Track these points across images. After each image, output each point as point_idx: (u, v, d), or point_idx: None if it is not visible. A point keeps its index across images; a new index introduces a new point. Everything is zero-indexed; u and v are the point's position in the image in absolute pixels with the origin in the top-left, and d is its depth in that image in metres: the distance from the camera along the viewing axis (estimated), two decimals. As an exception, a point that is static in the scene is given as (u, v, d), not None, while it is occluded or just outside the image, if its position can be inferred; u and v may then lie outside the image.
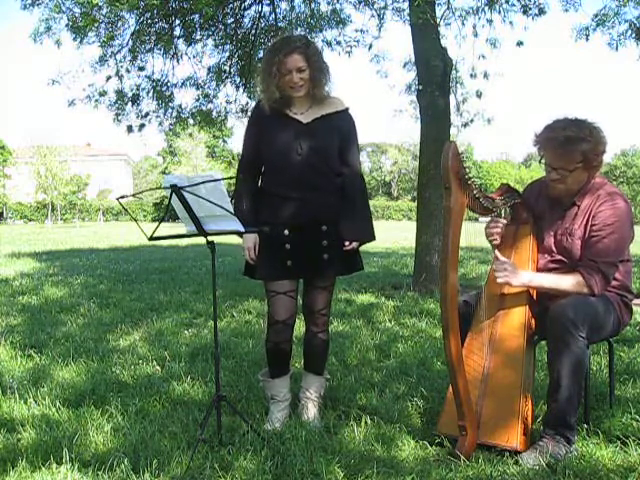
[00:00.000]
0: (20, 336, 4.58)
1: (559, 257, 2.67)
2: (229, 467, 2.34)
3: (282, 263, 2.75)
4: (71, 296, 6.57)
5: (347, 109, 2.85)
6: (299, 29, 8.73)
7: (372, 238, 2.89)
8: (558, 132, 2.50)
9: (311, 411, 2.87)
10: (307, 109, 2.78)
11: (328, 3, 8.76)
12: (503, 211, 2.75)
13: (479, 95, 8.60)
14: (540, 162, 2.65)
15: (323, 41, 8.74)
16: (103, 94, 8.68)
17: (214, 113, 9.65)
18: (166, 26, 8.14)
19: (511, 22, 7.92)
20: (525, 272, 2.58)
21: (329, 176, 2.79)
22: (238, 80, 9.33)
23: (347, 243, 2.77)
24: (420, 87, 6.73)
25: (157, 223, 2.51)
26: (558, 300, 2.49)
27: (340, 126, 2.80)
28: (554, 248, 2.68)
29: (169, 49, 8.52)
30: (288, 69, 2.66)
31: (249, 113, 3.02)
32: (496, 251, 2.62)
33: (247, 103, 9.43)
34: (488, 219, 2.79)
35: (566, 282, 2.53)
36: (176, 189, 2.35)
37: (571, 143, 2.48)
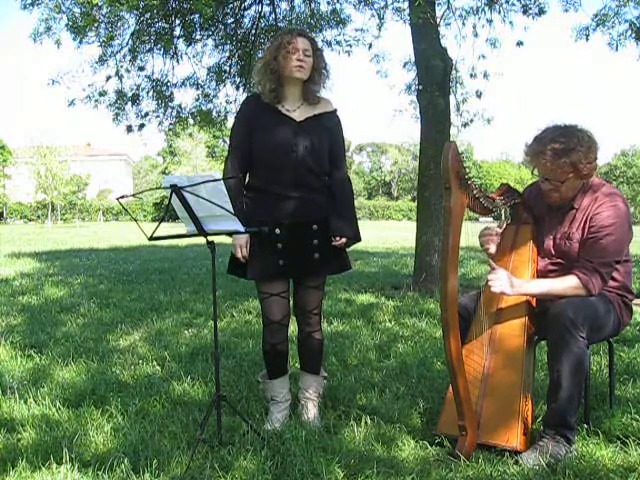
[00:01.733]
0: (20, 336, 4.58)
1: (558, 260, 2.66)
2: (229, 467, 2.34)
3: (274, 262, 2.74)
4: (71, 296, 6.58)
5: (335, 110, 2.87)
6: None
7: (358, 238, 2.90)
8: (546, 145, 2.49)
9: (311, 411, 2.87)
10: (298, 106, 2.78)
11: (328, 3, 8.76)
12: (503, 211, 2.75)
13: (479, 95, 8.62)
14: (532, 173, 2.65)
15: (323, 41, 8.73)
16: (103, 94, 8.67)
17: (214, 113, 9.65)
18: (166, 26, 8.13)
19: (511, 22, 7.95)
20: (520, 281, 2.56)
21: (320, 176, 2.79)
22: (238, 80, 9.32)
23: (337, 238, 2.76)
24: (420, 87, 6.73)
25: (157, 223, 2.51)
26: (558, 300, 2.49)
27: (330, 127, 2.82)
28: (553, 251, 2.68)
29: (169, 49, 8.51)
30: (297, 48, 2.68)
31: (238, 110, 3.00)
32: (490, 260, 2.62)
33: (247, 103, 9.41)
34: (489, 219, 2.79)
35: (563, 286, 2.53)
36: (176, 189, 2.35)
37: (559, 156, 2.47)
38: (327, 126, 2.80)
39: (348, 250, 2.92)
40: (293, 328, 3.06)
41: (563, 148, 2.46)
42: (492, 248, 2.81)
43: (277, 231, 2.73)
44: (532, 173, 2.65)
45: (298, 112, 2.77)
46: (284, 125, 2.74)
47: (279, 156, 2.72)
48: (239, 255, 2.76)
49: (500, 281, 2.49)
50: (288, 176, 2.72)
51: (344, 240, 2.78)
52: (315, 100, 2.79)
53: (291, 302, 2.90)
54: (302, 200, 2.73)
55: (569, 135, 2.49)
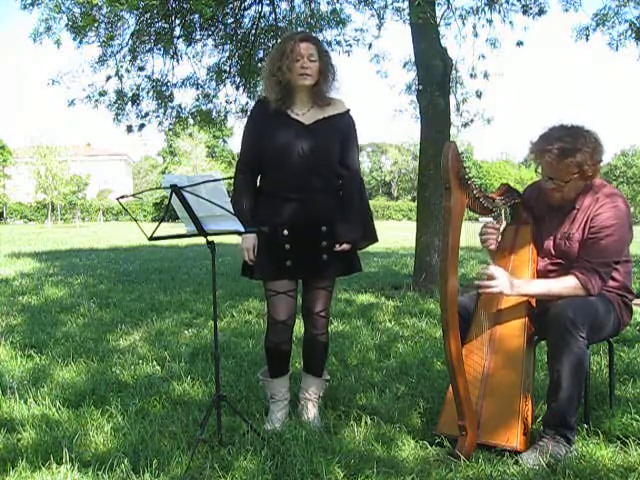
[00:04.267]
0: (20, 336, 4.58)
1: (558, 260, 2.66)
2: (229, 467, 2.34)
3: (281, 263, 2.74)
4: (71, 296, 6.57)
5: (348, 111, 2.84)
6: (299, 29, 8.73)
7: (371, 240, 2.87)
8: (552, 143, 2.47)
9: (311, 411, 2.87)
10: (308, 109, 2.77)
11: (328, 3, 8.78)
12: (503, 211, 2.75)
13: (479, 95, 8.63)
14: (536, 171, 2.64)
15: (323, 41, 8.73)
16: (103, 94, 8.68)
17: (214, 113, 9.66)
18: (166, 26, 8.14)
19: (511, 22, 7.98)
20: (519, 281, 2.55)
21: (329, 178, 2.78)
22: (238, 80, 9.33)
23: (337, 245, 2.75)
24: (420, 87, 6.73)
25: (157, 223, 2.51)
26: (558, 300, 2.49)
27: (341, 128, 2.79)
28: (553, 251, 2.68)
29: (169, 49, 8.52)
30: (301, 54, 2.66)
31: (249, 113, 3.00)
32: (489, 258, 2.61)
33: (247, 103, 9.45)
34: (489, 219, 2.79)
35: (562, 286, 2.52)
36: (176, 189, 2.35)
37: (565, 156, 2.45)
38: (338, 127, 2.78)
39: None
40: (298, 328, 3.05)
41: (570, 148, 2.44)
42: (493, 244, 2.81)
43: (285, 232, 2.73)
44: (536, 171, 2.63)
45: (307, 115, 2.76)
46: (291, 129, 2.73)
47: (285, 159, 2.72)
48: (246, 258, 2.77)
49: (499, 281, 2.49)
50: (295, 179, 2.71)
51: (346, 246, 2.76)
52: (325, 102, 2.76)
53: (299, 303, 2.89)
54: (308, 202, 2.72)
55: (576, 135, 2.47)
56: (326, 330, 2.92)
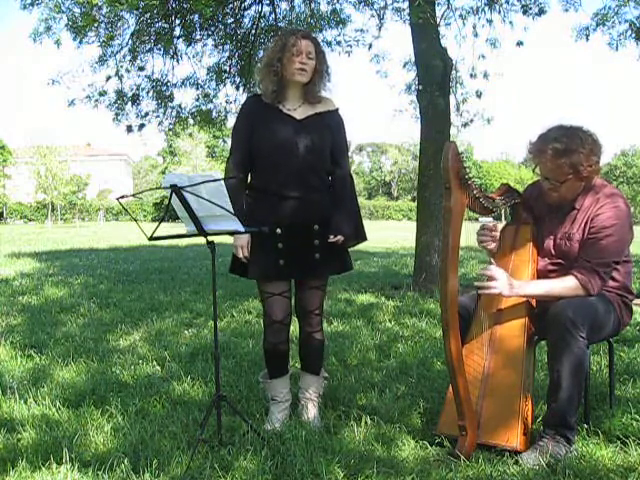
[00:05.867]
0: (20, 336, 4.58)
1: (559, 260, 2.66)
2: (229, 467, 2.34)
3: (275, 262, 2.74)
4: (71, 296, 6.57)
5: (337, 109, 2.86)
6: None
7: (361, 238, 2.89)
8: (548, 144, 2.48)
9: (311, 411, 2.87)
10: (299, 105, 2.78)
11: (328, 3, 8.77)
12: (503, 211, 2.75)
13: (479, 95, 8.63)
14: (534, 171, 2.64)
15: (323, 41, 8.73)
16: (103, 94, 8.67)
17: (214, 113, 9.65)
18: (166, 26, 8.13)
19: (511, 22, 7.97)
20: (519, 282, 2.55)
21: (322, 175, 2.79)
22: (238, 80, 9.32)
23: (332, 237, 2.74)
24: (420, 87, 6.74)
25: (157, 223, 2.51)
26: (558, 300, 2.49)
27: (331, 125, 2.81)
28: (553, 251, 2.68)
29: (169, 49, 8.51)
30: (300, 50, 2.68)
31: (240, 108, 2.98)
32: (491, 259, 2.62)
33: (247, 103, 9.42)
34: (489, 219, 2.79)
35: (562, 286, 2.52)
36: (176, 189, 2.35)
37: (559, 156, 2.46)
38: (328, 124, 2.79)
39: (349, 250, 2.92)
40: (294, 328, 3.06)
41: (564, 149, 2.45)
42: (492, 245, 2.81)
43: (278, 231, 2.72)
44: (533, 171, 2.64)
45: (299, 111, 2.77)
46: (285, 124, 2.73)
47: (280, 155, 2.71)
48: (240, 256, 2.76)
49: (499, 282, 2.49)
50: (289, 175, 2.71)
51: (341, 238, 2.76)
52: (316, 100, 2.78)
53: (293, 302, 2.90)
54: (303, 200, 2.73)
55: (572, 136, 2.48)
56: (321, 327, 2.92)
